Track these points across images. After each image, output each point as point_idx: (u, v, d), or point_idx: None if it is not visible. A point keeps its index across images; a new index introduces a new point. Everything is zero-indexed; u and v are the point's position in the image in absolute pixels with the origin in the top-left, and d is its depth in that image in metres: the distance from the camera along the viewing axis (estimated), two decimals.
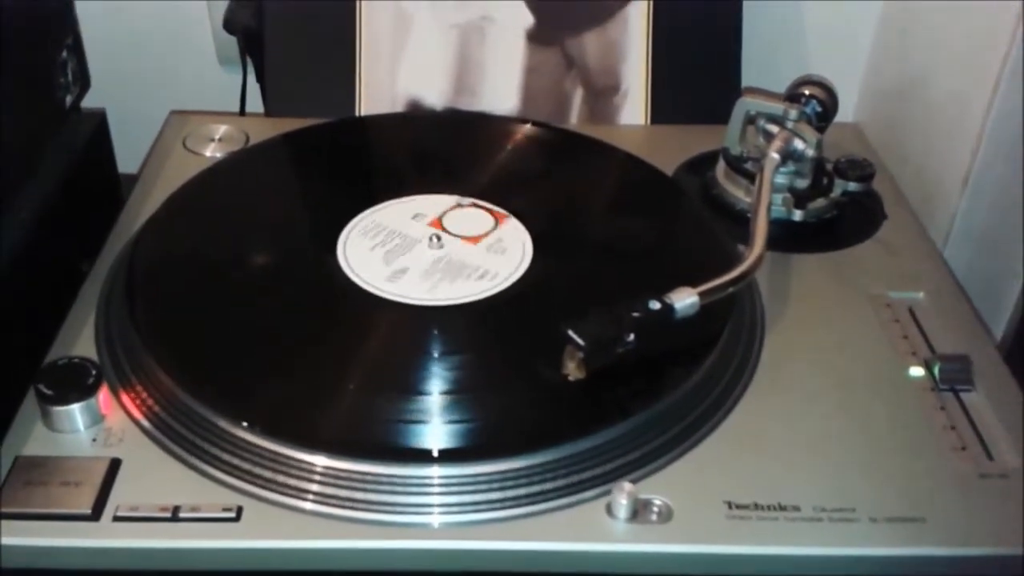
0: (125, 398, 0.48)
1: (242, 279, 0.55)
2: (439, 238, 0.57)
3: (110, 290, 0.55)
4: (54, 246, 0.60)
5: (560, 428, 0.46)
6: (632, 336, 0.48)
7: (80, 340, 0.52)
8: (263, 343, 0.51)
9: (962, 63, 0.67)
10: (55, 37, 0.63)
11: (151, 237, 0.57)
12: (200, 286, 0.54)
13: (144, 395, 0.48)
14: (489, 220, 0.59)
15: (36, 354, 0.51)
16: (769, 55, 0.78)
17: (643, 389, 0.48)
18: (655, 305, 0.48)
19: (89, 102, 0.68)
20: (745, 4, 0.73)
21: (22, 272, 0.55)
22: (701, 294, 0.49)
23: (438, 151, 0.69)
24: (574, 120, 0.73)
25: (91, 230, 0.61)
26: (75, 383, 0.47)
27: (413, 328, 0.52)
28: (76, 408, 0.47)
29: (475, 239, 0.58)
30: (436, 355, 0.50)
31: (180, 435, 0.46)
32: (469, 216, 0.60)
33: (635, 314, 0.48)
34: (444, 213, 0.60)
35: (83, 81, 0.66)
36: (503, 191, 0.61)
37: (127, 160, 0.74)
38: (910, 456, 0.47)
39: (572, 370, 0.47)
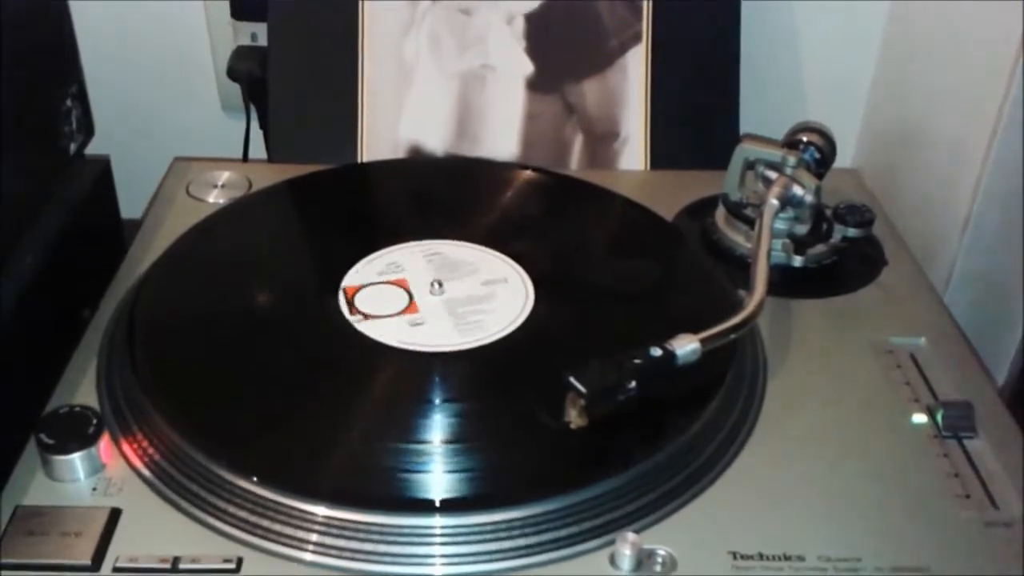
0: (126, 447, 0.48)
1: (244, 327, 0.55)
2: (440, 284, 0.58)
3: (111, 338, 0.55)
4: (56, 293, 0.60)
5: (562, 477, 0.45)
6: (634, 383, 0.48)
7: (81, 388, 0.52)
8: (265, 391, 0.51)
9: (960, 109, 0.68)
10: (60, 85, 0.63)
11: (153, 285, 0.57)
12: (201, 334, 0.54)
13: (144, 443, 0.48)
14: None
15: (37, 402, 0.51)
16: (767, 101, 0.79)
17: (646, 437, 0.47)
18: (656, 352, 0.48)
19: (93, 147, 0.68)
20: (743, 49, 0.73)
21: (24, 319, 0.56)
22: (703, 341, 0.49)
23: (439, 197, 0.69)
24: (574, 165, 0.74)
25: (93, 276, 0.62)
26: (76, 432, 0.47)
27: (414, 375, 0.52)
28: (77, 457, 0.46)
29: (473, 280, 0.58)
30: (437, 403, 0.50)
31: (180, 484, 0.46)
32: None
33: (637, 361, 0.48)
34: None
35: (87, 129, 0.67)
36: (504, 236, 0.62)
37: (130, 205, 0.74)
38: (914, 504, 0.47)
39: (574, 418, 0.47)
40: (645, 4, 0.73)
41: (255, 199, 0.67)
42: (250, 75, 0.77)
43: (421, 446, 0.47)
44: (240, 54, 0.78)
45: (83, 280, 0.62)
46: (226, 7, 0.78)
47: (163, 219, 0.66)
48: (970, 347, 0.58)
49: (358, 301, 0.56)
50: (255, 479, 0.45)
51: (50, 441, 0.47)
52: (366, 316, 0.55)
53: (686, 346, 0.48)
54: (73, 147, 0.65)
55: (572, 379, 0.47)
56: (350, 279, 0.58)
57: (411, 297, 0.57)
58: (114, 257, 0.63)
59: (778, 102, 0.82)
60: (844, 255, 0.62)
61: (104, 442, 0.47)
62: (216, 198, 0.68)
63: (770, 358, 0.54)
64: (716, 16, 0.74)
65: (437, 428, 0.48)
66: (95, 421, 0.48)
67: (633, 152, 0.74)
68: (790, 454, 0.49)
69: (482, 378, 0.52)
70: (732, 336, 0.50)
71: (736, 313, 0.51)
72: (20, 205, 0.58)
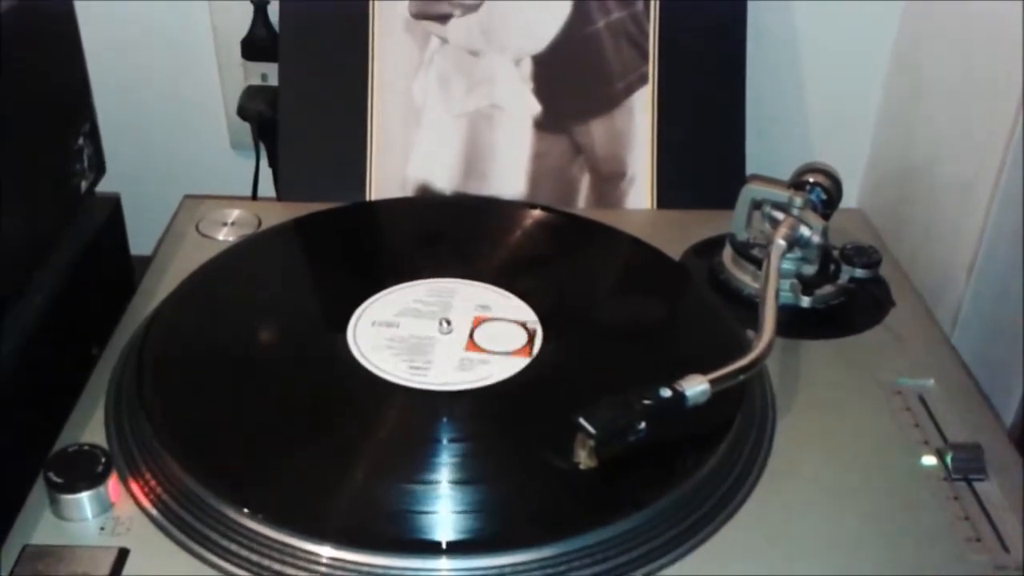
0: (134, 486, 0.48)
1: (252, 366, 0.55)
2: (448, 322, 0.58)
3: (120, 376, 0.55)
4: (66, 330, 0.60)
5: (571, 519, 0.45)
6: (643, 424, 0.47)
7: (90, 426, 0.52)
8: (273, 431, 0.51)
9: (965, 149, 0.68)
10: (73, 124, 0.64)
11: (162, 323, 0.57)
12: (210, 373, 0.55)
13: (153, 483, 0.48)
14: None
15: (46, 439, 0.51)
16: (773, 141, 0.80)
17: (655, 478, 0.47)
18: (666, 393, 0.48)
19: (103, 183, 0.69)
20: (748, 90, 0.74)
21: (33, 357, 0.56)
22: (712, 381, 0.49)
23: (447, 235, 0.69)
24: (581, 204, 0.74)
25: (103, 313, 0.62)
26: (84, 471, 0.47)
27: (423, 414, 0.52)
28: (85, 496, 0.46)
29: (481, 319, 0.58)
30: (444, 442, 0.50)
31: (188, 524, 0.46)
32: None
33: (646, 401, 0.48)
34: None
35: (98, 167, 0.68)
36: (512, 275, 0.62)
37: (140, 242, 0.74)
38: (925, 548, 0.46)
39: (583, 459, 0.47)
40: (651, 46, 0.73)
41: (264, 237, 0.67)
42: (260, 114, 0.78)
43: (427, 487, 0.47)
44: (250, 94, 0.79)
45: (92, 317, 0.62)
46: (237, 47, 0.79)
47: (173, 256, 0.66)
48: (978, 388, 0.58)
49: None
50: (260, 517, 0.45)
51: (58, 480, 0.47)
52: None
53: (696, 387, 0.48)
54: (84, 185, 0.65)
55: (581, 420, 0.47)
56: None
57: (419, 334, 0.57)
58: (124, 294, 0.63)
59: (783, 143, 0.82)
60: (852, 296, 0.62)
61: (112, 481, 0.47)
62: (226, 236, 0.69)
63: (779, 399, 0.54)
64: (722, 57, 0.74)
65: (444, 468, 0.48)
66: (104, 460, 0.48)
67: (640, 191, 0.74)
68: (800, 497, 0.49)
69: (490, 418, 0.52)
70: (741, 377, 0.50)
71: (745, 354, 0.51)
72: (31, 243, 0.58)
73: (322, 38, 0.74)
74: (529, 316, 0.59)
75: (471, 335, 0.57)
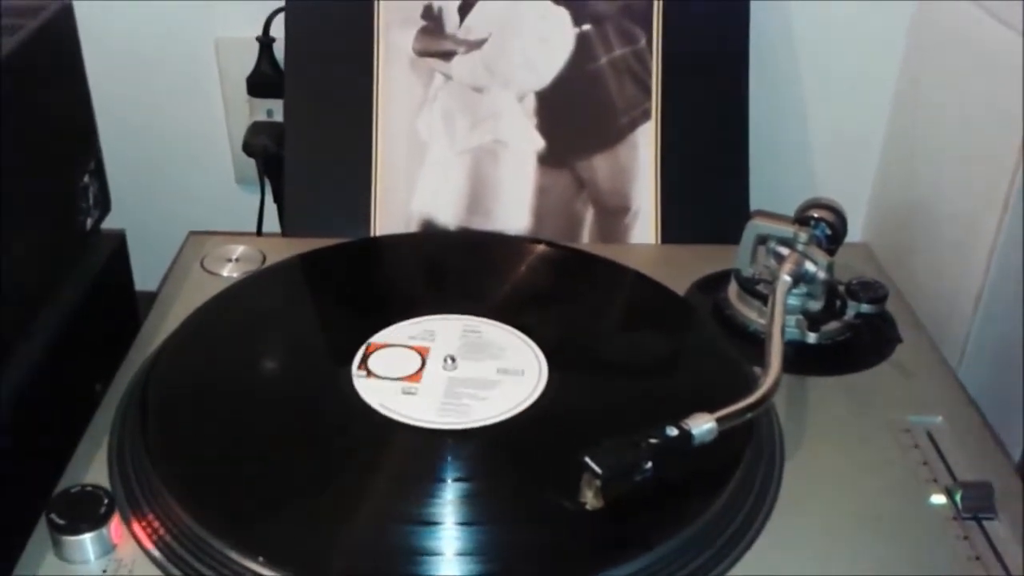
0: (136, 527, 0.48)
1: (256, 405, 0.55)
2: (453, 359, 0.57)
3: (124, 415, 0.55)
4: (70, 367, 0.60)
5: (579, 561, 0.45)
6: (650, 463, 0.47)
7: (93, 466, 0.52)
8: (277, 472, 0.50)
9: (969, 184, 0.68)
10: (78, 162, 0.64)
11: (165, 362, 0.57)
12: (214, 412, 0.54)
13: (155, 524, 0.48)
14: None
15: (49, 478, 0.51)
16: (776, 176, 0.80)
17: (664, 519, 0.47)
18: (673, 431, 0.48)
19: (109, 219, 0.69)
20: (751, 125, 0.74)
21: (37, 395, 0.56)
22: (719, 420, 0.49)
23: (452, 271, 0.69)
24: (586, 239, 0.74)
25: (107, 349, 0.62)
26: (87, 512, 0.47)
27: (427, 454, 0.51)
28: (87, 538, 0.46)
29: (485, 354, 0.58)
30: (449, 482, 0.49)
31: (190, 566, 0.45)
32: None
33: (653, 440, 0.47)
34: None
35: (104, 204, 0.68)
36: (516, 310, 0.62)
37: (145, 277, 0.75)
38: None
39: (590, 499, 0.46)
40: (654, 83, 0.74)
41: (267, 274, 0.67)
42: (265, 150, 0.78)
43: (431, 528, 0.46)
44: (256, 130, 0.80)
45: (97, 353, 0.62)
46: (243, 84, 0.80)
47: (177, 293, 0.66)
48: (987, 425, 0.57)
49: (373, 359, 0.57)
50: (261, 559, 0.44)
51: (61, 521, 0.46)
52: (369, 373, 0.55)
53: (702, 425, 0.48)
54: (89, 223, 0.66)
55: (588, 459, 0.46)
56: (366, 348, 0.58)
57: (422, 366, 0.57)
58: (128, 330, 0.63)
59: (787, 178, 0.83)
60: (858, 331, 0.62)
61: (115, 523, 0.47)
62: (230, 272, 0.69)
63: (787, 437, 0.54)
64: (724, 93, 0.75)
65: (448, 509, 0.48)
66: (106, 501, 0.47)
67: (644, 226, 0.74)
68: (809, 536, 0.48)
69: (494, 457, 0.52)
70: (749, 415, 0.50)
71: (752, 391, 0.51)
72: (36, 280, 0.58)
73: (327, 75, 0.74)
74: (535, 353, 0.58)
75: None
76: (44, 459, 0.52)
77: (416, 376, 0.56)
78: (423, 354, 0.58)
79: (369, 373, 0.56)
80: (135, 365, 0.59)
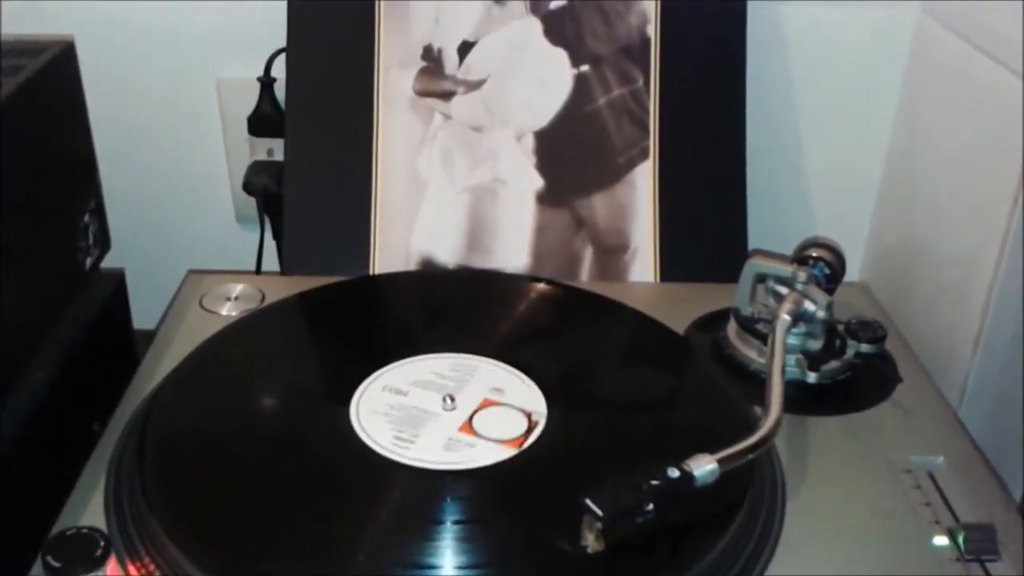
0: (132, 570, 0.47)
1: (254, 447, 0.55)
2: (452, 399, 0.57)
3: (121, 456, 0.54)
4: (68, 407, 0.60)
5: None
6: (651, 505, 0.47)
7: (90, 507, 0.51)
8: (275, 514, 0.50)
9: (967, 222, 0.68)
10: (78, 201, 0.65)
11: (162, 403, 0.57)
12: (213, 454, 0.54)
13: (151, 567, 0.47)
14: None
15: (46, 519, 0.50)
16: (774, 214, 0.80)
17: (666, 561, 0.46)
18: (674, 473, 0.48)
19: (108, 257, 0.69)
20: (749, 163, 0.75)
21: (35, 435, 0.55)
22: (720, 461, 0.48)
23: (451, 309, 0.69)
24: (584, 277, 0.74)
25: (105, 389, 0.61)
26: (83, 554, 0.46)
27: (427, 496, 0.51)
28: None
29: (485, 393, 0.58)
30: (449, 524, 0.49)
31: None
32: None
33: (654, 482, 0.47)
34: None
35: (104, 243, 0.68)
36: (516, 350, 0.62)
37: (144, 315, 0.74)
38: None
39: (591, 542, 0.46)
40: (652, 122, 0.74)
41: (266, 313, 0.67)
42: (265, 189, 0.79)
43: (429, 572, 0.46)
44: (256, 168, 0.80)
45: (95, 393, 0.62)
46: (243, 124, 0.80)
47: (176, 332, 0.66)
48: (988, 465, 0.57)
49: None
50: None
51: (56, 564, 0.46)
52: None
53: (704, 467, 0.48)
54: (89, 262, 0.66)
55: (588, 502, 0.46)
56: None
57: (422, 409, 0.56)
58: (126, 370, 0.63)
59: (785, 215, 0.83)
60: (858, 371, 0.62)
61: (111, 565, 0.46)
62: (229, 311, 0.69)
63: (788, 477, 0.54)
64: (722, 132, 0.75)
65: (447, 551, 0.47)
66: (102, 543, 0.47)
67: (643, 264, 0.74)
68: None
69: (495, 499, 0.51)
70: (750, 456, 0.50)
71: (753, 432, 0.51)
72: (35, 319, 0.58)
73: (328, 114, 0.75)
74: (537, 403, 0.58)
75: (471, 413, 0.56)
76: (41, 500, 0.52)
77: (416, 417, 0.56)
78: (423, 394, 0.58)
79: (368, 415, 0.55)
80: (133, 405, 0.59)
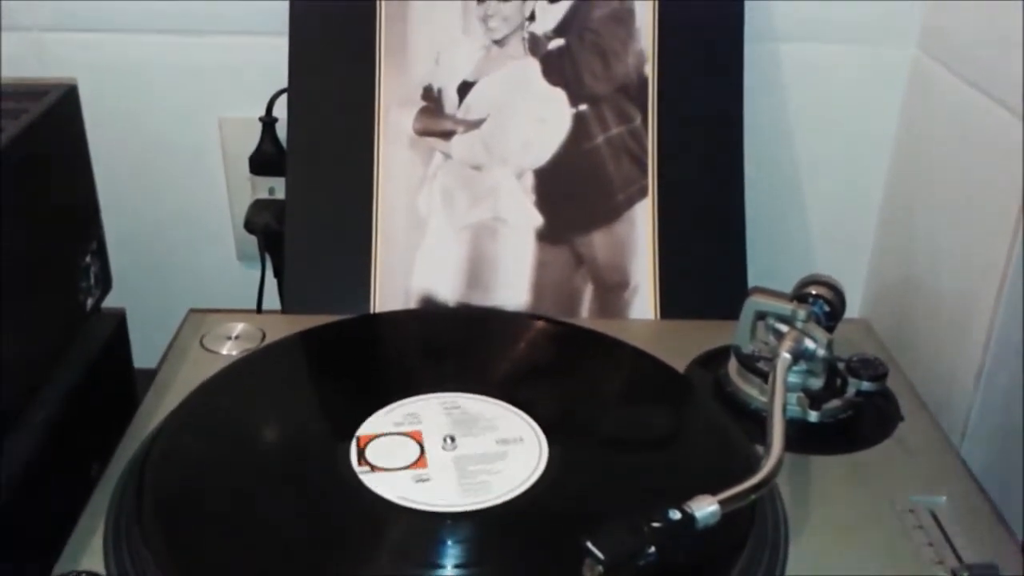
0: None
1: (254, 489, 0.54)
2: (452, 439, 0.57)
3: (120, 500, 0.54)
4: (67, 449, 0.59)
5: None
6: (653, 548, 0.46)
7: (89, 549, 0.51)
8: (276, 557, 0.49)
9: (966, 258, 0.69)
10: (80, 242, 0.65)
11: (162, 446, 0.57)
12: (212, 496, 0.54)
13: None
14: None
15: (45, 561, 0.50)
16: (773, 252, 0.80)
17: None
18: (675, 515, 0.47)
19: (109, 295, 0.69)
20: (748, 200, 0.75)
21: (34, 477, 0.55)
22: (722, 502, 0.48)
23: (452, 347, 0.69)
24: (585, 314, 0.74)
25: (105, 429, 0.61)
26: None
27: (427, 539, 0.51)
28: None
29: (484, 434, 0.57)
30: (449, 569, 0.49)
31: None
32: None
33: (655, 524, 0.47)
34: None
35: (105, 283, 0.68)
36: (517, 388, 0.62)
37: (144, 354, 0.74)
38: None
39: None
40: (650, 161, 0.75)
41: (265, 353, 0.67)
42: (267, 227, 0.79)
43: None
44: (258, 207, 0.81)
45: (94, 433, 0.62)
46: (245, 163, 0.81)
47: (176, 372, 0.66)
48: (991, 504, 0.57)
49: (369, 452, 0.56)
50: None
51: None
52: (373, 468, 0.55)
53: (705, 508, 0.48)
54: (90, 302, 0.66)
55: (589, 544, 0.46)
56: (365, 428, 0.58)
57: (422, 451, 0.56)
58: (126, 410, 0.63)
59: (784, 253, 0.83)
60: (859, 409, 0.62)
61: None
62: (230, 350, 0.69)
63: (790, 517, 0.53)
64: (721, 170, 0.76)
65: None
66: None
67: (643, 301, 0.74)
68: None
69: (495, 542, 0.51)
70: (752, 497, 0.50)
71: (755, 472, 0.50)
72: (35, 360, 0.58)
73: (329, 154, 0.75)
74: (535, 431, 0.58)
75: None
76: (40, 542, 0.51)
77: (421, 462, 0.56)
78: (418, 439, 0.57)
79: (373, 468, 0.55)
80: (132, 446, 0.59)
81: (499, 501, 0.52)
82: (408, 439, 0.57)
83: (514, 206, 0.75)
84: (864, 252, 0.84)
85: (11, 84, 0.63)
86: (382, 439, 0.57)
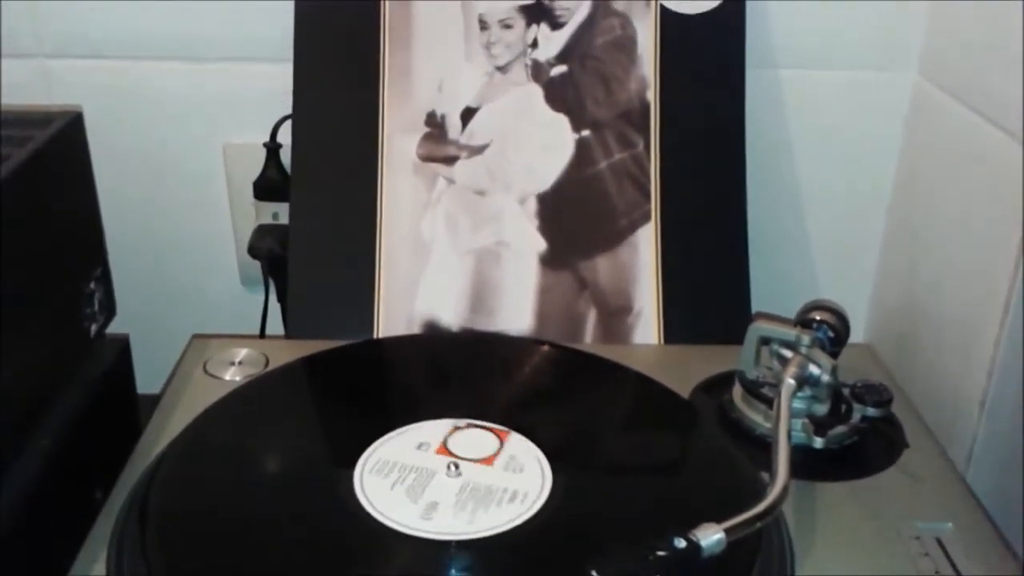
0: None
1: (258, 515, 0.54)
2: (456, 466, 0.57)
3: (123, 528, 0.54)
4: (70, 476, 0.59)
5: None
6: None
7: None
8: None
9: (970, 284, 0.69)
10: (84, 269, 0.65)
11: (165, 472, 0.56)
12: (215, 523, 0.53)
13: None
14: (492, 440, 0.59)
15: None
16: (777, 277, 0.80)
17: None
18: (681, 543, 0.47)
19: (112, 320, 0.69)
20: (750, 227, 0.75)
21: (37, 504, 0.55)
22: (728, 530, 0.48)
23: (456, 373, 0.69)
24: (588, 339, 0.74)
25: (108, 456, 0.61)
26: None
27: (429, 566, 0.51)
28: None
29: (488, 460, 0.57)
30: None
31: None
32: (472, 437, 0.60)
33: (660, 553, 0.47)
34: (446, 438, 0.59)
35: (109, 310, 0.68)
36: (520, 414, 0.61)
37: (148, 379, 0.74)
38: None
39: None
40: (653, 186, 0.75)
41: (267, 379, 0.67)
42: (270, 252, 0.79)
43: None
44: (261, 232, 0.81)
45: (97, 460, 0.61)
46: (249, 188, 0.81)
47: (179, 398, 0.66)
48: (997, 531, 0.57)
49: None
50: None
51: None
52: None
53: (711, 536, 0.47)
54: (94, 329, 0.66)
55: (594, 573, 0.45)
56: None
57: (427, 478, 0.56)
58: (130, 436, 0.63)
59: (787, 277, 0.83)
60: (864, 435, 0.61)
61: None
62: (233, 375, 0.69)
63: (796, 545, 0.53)
64: (723, 194, 0.76)
65: None
66: None
67: (646, 326, 0.74)
68: None
69: (499, 569, 0.51)
70: (758, 525, 0.49)
71: (761, 499, 0.50)
72: (38, 389, 0.58)
73: (332, 179, 0.75)
74: (538, 458, 0.58)
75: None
76: (43, 569, 0.51)
77: (426, 488, 0.55)
78: (426, 465, 0.57)
79: (373, 482, 0.55)
80: (136, 473, 0.59)
81: (503, 528, 0.52)
82: (410, 471, 0.57)
83: (517, 231, 0.75)
84: (867, 277, 0.84)
85: (17, 111, 0.63)
86: (382, 473, 0.57)
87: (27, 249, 0.56)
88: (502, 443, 0.59)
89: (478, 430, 0.60)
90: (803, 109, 0.80)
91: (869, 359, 0.72)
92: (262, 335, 0.81)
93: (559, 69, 0.76)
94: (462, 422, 0.61)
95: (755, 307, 0.74)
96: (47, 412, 0.59)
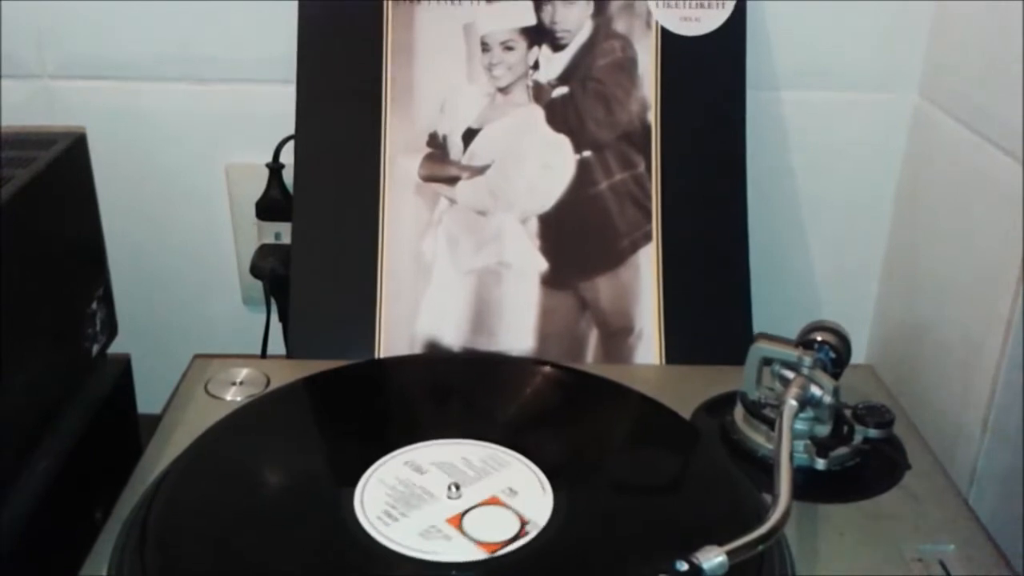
0: None
1: (258, 536, 0.54)
2: (457, 487, 0.57)
3: (124, 545, 0.54)
4: (71, 496, 0.59)
5: None
6: None
7: None
8: None
9: (970, 304, 0.69)
10: (87, 289, 0.65)
11: (165, 493, 0.56)
12: (215, 543, 0.53)
13: None
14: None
15: None
16: (778, 297, 0.80)
17: None
18: (683, 566, 0.47)
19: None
20: (751, 248, 0.75)
21: (38, 525, 0.55)
22: (729, 553, 0.48)
23: (457, 393, 0.69)
24: (590, 359, 0.74)
25: (109, 476, 0.61)
26: None
27: None
28: None
29: (492, 487, 0.57)
30: None
31: None
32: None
33: None
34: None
35: (111, 329, 0.68)
36: (521, 435, 0.61)
37: (149, 399, 0.74)
38: None
39: None
40: (654, 206, 0.75)
41: (267, 400, 0.67)
42: (272, 272, 0.79)
43: None
44: (264, 252, 0.81)
45: (98, 480, 0.61)
46: (252, 208, 0.81)
47: (181, 418, 0.66)
48: (999, 552, 0.56)
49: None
50: None
51: None
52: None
53: (713, 559, 0.47)
54: (96, 348, 0.66)
55: None
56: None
57: (429, 500, 0.56)
58: (130, 456, 0.63)
59: (789, 298, 0.83)
60: (866, 456, 0.61)
61: None
62: (234, 396, 0.68)
63: (799, 567, 0.53)
64: (723, 216, 0.76)
65: None
66: None
67: (648, 346, 0.74)
68: None
69: None
70: (760, 547, 0.49)
71: (763, 522, 0.50)
72: (39, 409, 0.58)
73: (335, 199, 0.76)
74: (539, 479, 0.57)
75: (478, 501, 0.56)
76: None
77: (427, 510, 0.55)
78: (426, 487, 0.57)
79: (372, 500, 0.55)
80: (136, 493, 0.59)
81: (505, 551, 0.52)
82: (412, 491, 0.57)
83: (519, 251, 0.75)
84: (868, 298, 0.84)
85: (20, 132, 0.63)
86: (383, 492, 0.56)
87: (29, 269, 0.56)
88: (504, 464, 0.59)
89: (480, 450, 0.60)
90: (804, 130, 0.80)
91: (871, 380, 0.71)
92: (264, 355, 0.81)
93: (560, 90, 0.76)
94: (465, 442, 0.60)
95: (757, 327, 0.74)
96: (48, 431, 0.59)
